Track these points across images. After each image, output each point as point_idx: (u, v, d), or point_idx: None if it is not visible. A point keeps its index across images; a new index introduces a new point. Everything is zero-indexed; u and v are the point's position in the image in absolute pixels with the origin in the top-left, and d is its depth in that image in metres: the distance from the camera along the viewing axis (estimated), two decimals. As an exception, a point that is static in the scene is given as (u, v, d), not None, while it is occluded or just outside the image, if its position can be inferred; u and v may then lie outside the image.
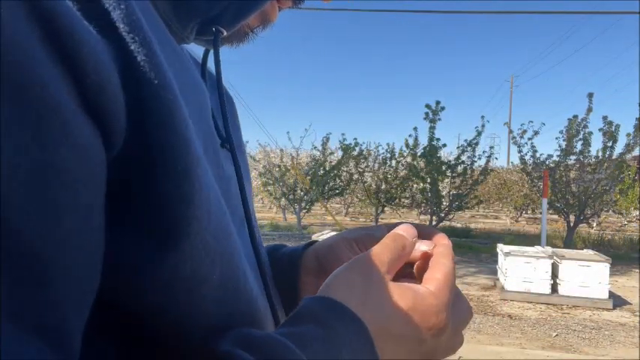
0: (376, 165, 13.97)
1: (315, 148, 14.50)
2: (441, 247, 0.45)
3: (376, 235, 0.50)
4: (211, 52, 0.49)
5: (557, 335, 4.86)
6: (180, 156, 0.29)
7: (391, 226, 0.47)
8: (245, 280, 0.38)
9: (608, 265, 5.81)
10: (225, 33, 0.45)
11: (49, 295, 0.22)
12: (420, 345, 0.38)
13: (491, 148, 11.87)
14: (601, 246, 10.68)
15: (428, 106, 11.36)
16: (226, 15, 0.43)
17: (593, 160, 10.50)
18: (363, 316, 0.35)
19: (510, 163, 21.78)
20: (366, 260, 0.40)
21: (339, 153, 14.39)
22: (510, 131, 11.55)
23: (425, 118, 11.41)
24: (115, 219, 0.27)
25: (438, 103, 11.37)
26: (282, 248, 0.60)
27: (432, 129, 11.38)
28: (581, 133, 10.49)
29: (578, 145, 10.55)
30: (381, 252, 0.41)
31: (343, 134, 20.00)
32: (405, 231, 0.44)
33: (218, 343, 0.33)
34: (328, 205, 16.83)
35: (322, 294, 0.38)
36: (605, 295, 5.85)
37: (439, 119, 11.37)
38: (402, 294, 0.38)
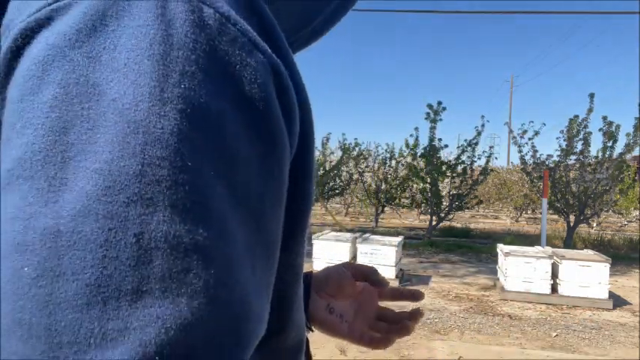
0: (376, 165, 13.96)
1: (315, 148, 14.47)
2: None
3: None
4: None
5: (557, 335, 4.86)
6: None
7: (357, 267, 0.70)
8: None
9: (608, 265, 5.81)
10: None
11: (273, 270, 0.33)
12: None
13: (491, 147, 11.87)
14: (601, 246, 10.68)
15: (429, 105, 11.35)
16: (296, 43, 0.50)
17: (593, 160, 10.49)
18: None
19: (510, 163, 21.77)
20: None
21: (339, 153, 14.38)
22: (510, 131, 11.53)
23: (426, 118, 11.40)
24: None
25: (439, 103, 11.36)
26: None
27: (432, 129, 11.37)
28: (582, 133, 10.48)
29: (579, 145, 10.54)
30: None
31: (344, 134, 19.91)
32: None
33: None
34: (328, 205, 16.81)
35: None
36: (605, 295, 5.85)
37: (440, 119, 11.37)
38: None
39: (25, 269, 0.24)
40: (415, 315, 0.70)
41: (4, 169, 0.27)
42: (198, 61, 0.28)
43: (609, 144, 10.33)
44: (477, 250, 10.01)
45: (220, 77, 0.29)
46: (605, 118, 10.39)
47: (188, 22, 0.28)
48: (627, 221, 13.80)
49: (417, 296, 0.72)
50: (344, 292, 0.68)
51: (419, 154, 11.73)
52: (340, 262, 0.74)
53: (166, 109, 0.26)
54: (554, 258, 6.12)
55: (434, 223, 11.69)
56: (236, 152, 0.29)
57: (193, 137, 0.27)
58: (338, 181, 14.52)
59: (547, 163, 10.81)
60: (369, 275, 0.70)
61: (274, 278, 0.33)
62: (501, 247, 6.72)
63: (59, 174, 0.25)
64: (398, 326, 0.69)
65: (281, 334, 0.40)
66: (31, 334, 0.23)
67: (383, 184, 13.37)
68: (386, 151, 13.65)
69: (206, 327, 0.25)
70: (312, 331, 0.67)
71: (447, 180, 11.86)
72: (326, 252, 6.66)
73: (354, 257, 6.75)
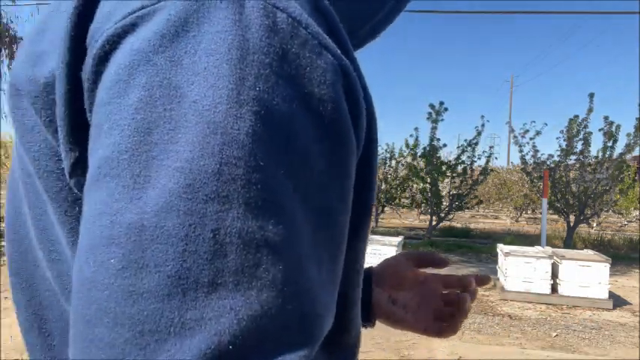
0: (376, 165, 13.94)
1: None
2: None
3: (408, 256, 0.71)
4: None
5: (557, 335, 4.86)
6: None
7: (415, 254, 0.70)
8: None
9: (608, 265, 5.81)
10: None
11: (339, 268, 0.34)
12: None
13: (491, 147, 11.85)
14: (601, 246, 10.67)
15: (432, 105, 11.33)
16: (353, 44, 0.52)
17: (593, 160, 10.49)
18: None
19: (510, 163, 21.76)
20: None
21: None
22: (512, 130, 11.51)
23: (428, 118, 11.38)
24: None
25: (441, 103, 11.34)
26: None
27: (434, 129, 11.36)
28: (582, 133, 10.47)
29: (579, 145, 10.53)
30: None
31: (343, 134, 19.72)
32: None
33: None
34: (328, 205, 16.75)
35: None
36: (605, 295, 5.84)
37: (442, 119, 11.35)
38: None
39: (112, 261, 0.26)
40: (482, 280, 0.69)
41: (93, 166, 0.29)
42: (272, 64, 0.29)
43: (609, 144, 10.33)
44: (477, 250, 10.01)
45: (292, 79, 0.29)
46: (606, 118, 10.38)
47: (263, 27, 0.29)
48: (627, 221, 13.80)
49: (483, 281, 0.70)
50: (403, 281, 0.68)
51: (419, 154, 11.72)
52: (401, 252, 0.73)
53: (242, 111, 0.27)
54: (554, 258, 6.12)
55: (434, 223, 11.69)
56: (305, 153, 0.29)
57: (266, 138, 0.28)
58: (338, 181, 14.47)
59: (547, 163, 10.80)
60: (426, 258, 0.69)
61: (340, 276, 0.34)
62: (501, 247, 6.72)
63: (143, 172, 0.27)
64: (458, 307, 0.66)
65: (346, 331, 0.41)
66: (116, 322, 0.25)
67: (383, 184, 13.37)
68: (386, 151, 13.65)
69: (275, 321, 0.26)
70: (373, 325, 0.66)
71: (447, 180, 11.85)
72: (326, 252, 6.65)
73: (354, 257, 6.74)
